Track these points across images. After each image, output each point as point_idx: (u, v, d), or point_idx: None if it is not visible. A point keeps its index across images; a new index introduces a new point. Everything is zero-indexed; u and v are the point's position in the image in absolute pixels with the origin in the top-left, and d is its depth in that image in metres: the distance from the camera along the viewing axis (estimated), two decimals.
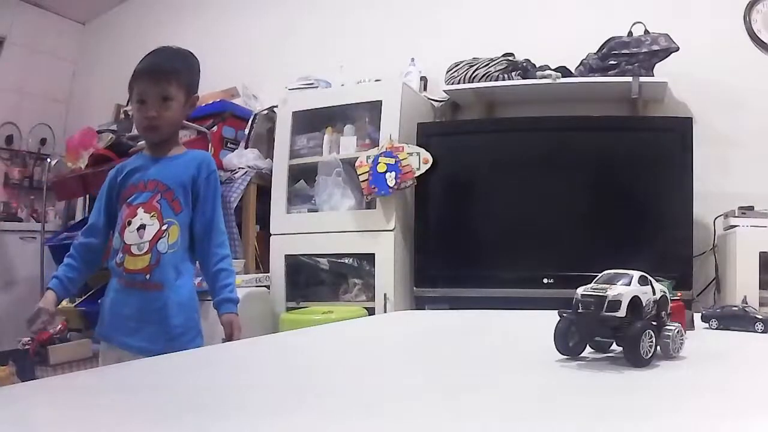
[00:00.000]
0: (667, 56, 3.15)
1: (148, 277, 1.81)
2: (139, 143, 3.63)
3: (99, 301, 2.37)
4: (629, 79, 3.17)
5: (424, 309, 3.01)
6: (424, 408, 0.64)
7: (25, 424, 0.59)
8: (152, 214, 1.84)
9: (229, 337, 1.90)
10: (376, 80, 3.57)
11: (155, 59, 1.92)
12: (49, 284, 1.91)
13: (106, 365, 1.68)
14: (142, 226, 1.83)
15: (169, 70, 1.87)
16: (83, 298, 4.00)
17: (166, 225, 1.84)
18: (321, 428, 0.57)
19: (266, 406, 0.66)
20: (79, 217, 4.86)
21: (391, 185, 3.18)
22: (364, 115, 3.51)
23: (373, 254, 3.28)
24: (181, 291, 1.86)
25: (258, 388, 0.76)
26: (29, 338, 3.93)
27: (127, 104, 4.13)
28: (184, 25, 4.80)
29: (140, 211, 1.84)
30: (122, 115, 4.63)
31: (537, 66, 3.41)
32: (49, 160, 5.01)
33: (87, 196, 4.62)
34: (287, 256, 3.47)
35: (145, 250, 1.81)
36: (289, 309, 3.40)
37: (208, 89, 3.81)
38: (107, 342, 1.89)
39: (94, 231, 1.94)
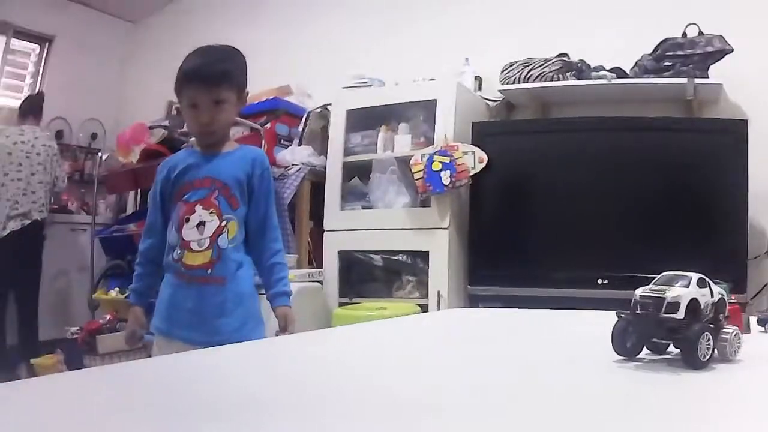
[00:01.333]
0: (721, 57, 3.13)
1: (209, 272, 1.83)
2: (191, 139, 3.69)
3: None
4: (684, 80, 3.14)
5: (478, 307, 3.02)
6: (476, 408, 0.63)
7: (72, 413, 0.60)
8: (211, 210, 1.85)
9: (283, 330, 1.92)
10: (431, 79, 3.57)
11: (202, 61, 1.88)
12: (131, 300, 2.01)
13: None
14: (202, 223, 1.84)
15: (219, 74, 1.85)
16: None
17: (225, 221, 1.85)
18: (367, 428, 0.57)
19: (312, 402, 0.66)
20: (130, 210, 4.95)
21: (446, 183, 3.19)
22: (419, 114, 3.52)
23: (427, 252, 3.30)
24: (242, 282, 1.89)
25: (304, 384, 0.76)
26: (78, 327, 4.00)
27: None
28: (235, 23, 4.86)
29: (198, 207, 1.85)
30: (174, 111, 4.68)
31: (591, 66, 3.40)
32: (100, 154, 5.09)
33: (138, 190, 4.72)
34: (341, 252, 3.50)
35: (205, 246, 1.83)
36: (342, 304, 3.43)
37: (262, 87, 3.86)
38: (165, 336, 1.91)
39: (153, 230, 1.97)
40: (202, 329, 1.83)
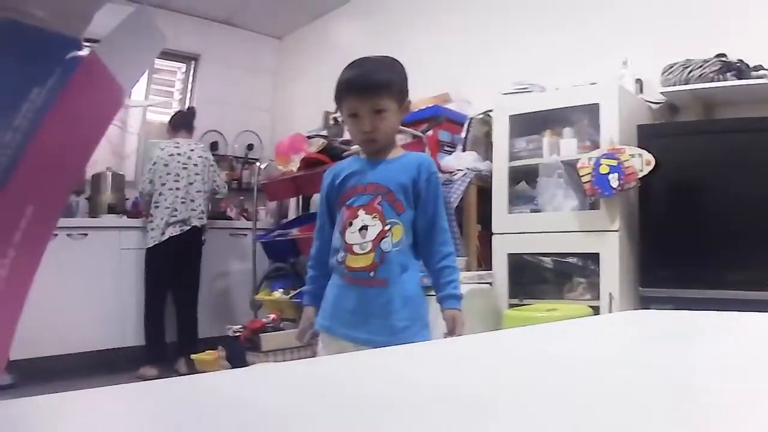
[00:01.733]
0: None
1: (372, 274, 1.89)
2: (353, 147, 3.87)
3: None
4: None
5: (650, 309, 3.06)
6: (660, 412, 0.60)
7: (246, 407, 0.61)
8: (374, 215, 1.90)
9: (451, 332, 1.94)
10: (591, 83, 3.61)
11: (361, 71, 1.93)
12: (304, 301, 2.15)
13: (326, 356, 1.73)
14: (364, 227, 1.90)
15: (378, 84, 1.90)
16: (297, 290, 4.26)
17: (389, 225, 1.90)
18: None
19: (477, 406, 0.62)
20: (292, 216, 5.22)
21: (614, 186, 3.25)
22: (582, 118, 3.58)
23: (598, 254, 3.35)
24: (407, 285, 1.92)
25: (471, 386, 0.72)
26: (240, 326, 4.26)
27: (336, 112, 4.38)
28: (383, 34, 5.02)
29: (361, 212, 1.91)
30: (331, 121, 4.91)
31: (750, 66, 3.41)
32: (258, 163, 5.39)
33: (300, 196, 4.98)
34: (510, 255, 3.61)
35: (368, 249, 1.89)
36: (512, 306, 3.52)
37: (420, 95, 4.00)
38: (329, 333, 1.99)
39: (322, 233, 2.09)
40: (366, 328, 1.89)
